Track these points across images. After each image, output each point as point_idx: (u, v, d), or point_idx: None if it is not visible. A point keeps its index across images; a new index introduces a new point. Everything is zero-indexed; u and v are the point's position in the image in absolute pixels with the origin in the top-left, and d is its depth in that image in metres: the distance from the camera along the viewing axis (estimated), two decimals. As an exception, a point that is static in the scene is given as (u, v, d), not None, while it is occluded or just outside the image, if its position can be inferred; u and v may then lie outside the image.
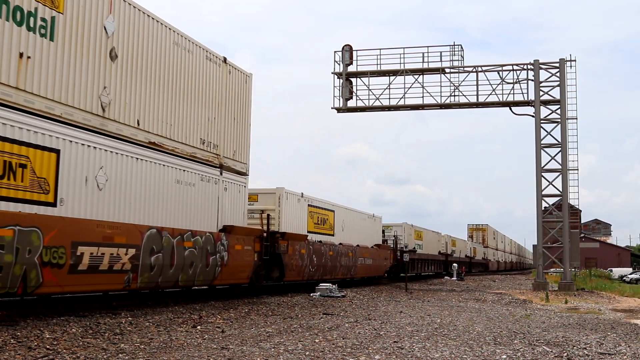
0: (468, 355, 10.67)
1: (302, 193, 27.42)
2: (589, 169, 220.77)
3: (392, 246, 41.70)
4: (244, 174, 21.22)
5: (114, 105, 14.99)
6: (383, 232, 41.16)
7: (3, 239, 11.84)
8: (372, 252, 36.47)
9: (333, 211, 31.24)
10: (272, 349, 10.79)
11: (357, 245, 33.70)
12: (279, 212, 25.12)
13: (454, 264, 55.17)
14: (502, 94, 35.55)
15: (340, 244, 31.20)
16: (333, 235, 30.92)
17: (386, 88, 36.20)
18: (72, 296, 17.25)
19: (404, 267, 39.14)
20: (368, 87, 36.34)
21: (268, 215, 23.87)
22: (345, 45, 36.44)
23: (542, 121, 35.34)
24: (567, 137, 35.21)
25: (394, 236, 43.12)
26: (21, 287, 12.42)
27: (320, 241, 28.71)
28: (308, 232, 27.69)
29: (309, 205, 28.14)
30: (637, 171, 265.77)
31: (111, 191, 14.82)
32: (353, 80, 36.67)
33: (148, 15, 16.26)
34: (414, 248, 46.77)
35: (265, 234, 22.77)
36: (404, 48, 36.19)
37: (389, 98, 36.29)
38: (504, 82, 35.56)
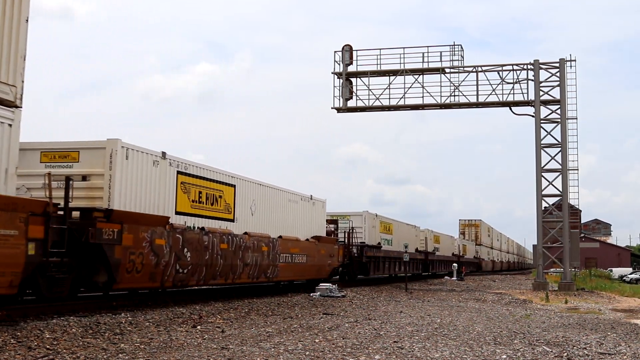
0: (468, 355, 10.66)
1: (163, 152, 18.01)
2: (589, 168, 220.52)
3: (342, 240, 32.97)
4: (9, 104, 12.19)
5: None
6: (335, 222, 32.57)
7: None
8: (307, 247, 26.93)
9: (233, 186, 21.61)
10: (272, 349, 10.79)
11: (280, 237, 24.55)
12: (109, 177, 15.99)
13: (454, 264, 54.38)
14: (502, 94, 35.55)
15: (245, 233, 21.84)
16: (233, 220, 21.41)
17: (386, 88, 36.21)
18: (72, 296, 17.23)
19: (363, 267, 35.11)
20: (368, 87, 36.35)
21: (68, 179, 14.72)
22: (345, 45, 36.45)
23: (542, 121, 35.33)
24: (567, 137, 35.20)
25: (350, 228, 33.87)
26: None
27: (204, 228, 19.49)
28: (177, 213, 18.51)
29: (180, 172, 18.69)
30: (637, 171, 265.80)
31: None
32: (353, 80, 36.66)
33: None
34: (379, 244, 38.32)
35: (58, 211, 14.08)
36: (404, 48, 36.23)
37: (389, 98, 36.30)
38: (504, 82, 35.56)
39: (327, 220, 30.98)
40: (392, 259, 40.45)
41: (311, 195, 28.61)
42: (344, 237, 33.27)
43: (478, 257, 76.33)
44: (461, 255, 63.65)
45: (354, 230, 34.16)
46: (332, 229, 31.24)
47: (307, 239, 27.47)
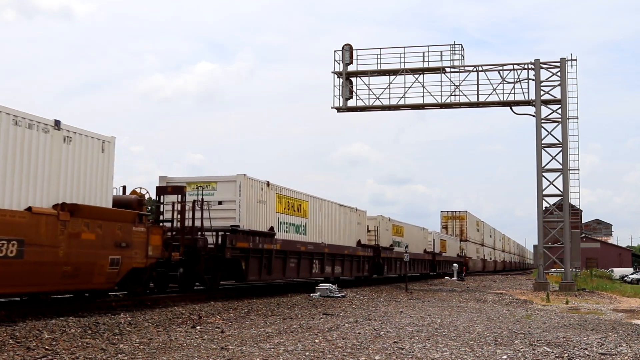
0: (468, 356, 10.62)
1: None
2: (591, 168, 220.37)
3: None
4: None
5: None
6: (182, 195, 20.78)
7: None
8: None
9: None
10: (272, 350, 10.75)
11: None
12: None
13: (454, 264, 54.05)
14: (503, 93, 35.47)
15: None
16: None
17: (386, 87, 36.14)
18: (72, 296, 17.21)
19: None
20: (368, 87, 36.29)
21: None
22: (345, 44, 36.37)
23: (542, 121, 35.28)
24: (568, 137, 35.14)
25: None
26: None
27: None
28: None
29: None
30: (638, 171, 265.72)
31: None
32: (353, 79, 36.60)
33: None
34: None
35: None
36: (404, 47, 36.14)
37: (389, 98, 36.21)
38: (504, 82, 35.48)
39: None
40: (299, 255, 33.57)
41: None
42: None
43: (463, 256, 64.95)
44: (437, 253, 53.32)
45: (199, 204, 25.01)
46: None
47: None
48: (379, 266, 36.90)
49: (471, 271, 65.31)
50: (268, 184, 24.20)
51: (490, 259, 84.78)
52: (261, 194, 23.83)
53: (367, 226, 36.40)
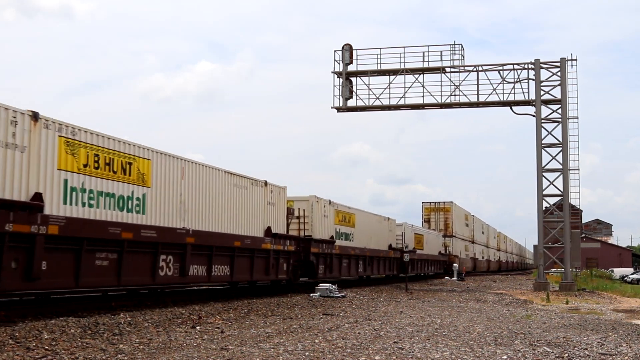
0: (469, 356, 10.61)
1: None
2: (591, 168, 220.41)
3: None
4: None
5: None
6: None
7: None
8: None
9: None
10: (272, 350, 10.74)
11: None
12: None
13: (454, 265, 52.72)
14: (503, 93, 35.45)
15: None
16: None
17: (386, 87, 36.12)
18: (71, 296, 17.21)
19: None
20: (368, 87, 36.27)
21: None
22: (345, 44, 36.34)
23: (543, 121, 35.26)
24: (568, 137, 35.11)
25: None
26: None
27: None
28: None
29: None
30: (639, 171, 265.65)
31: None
32: (353, 79, 36.57)
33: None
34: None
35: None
36: (404, 47, 36.11)
37: (389, 97, 36.19)
38: (504, 82, 35.46)
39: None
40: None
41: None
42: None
43: (447, 254, 56.16)
44: (410, 250, 41.44)
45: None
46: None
47: None
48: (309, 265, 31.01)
49: (458, 272, 54.59)
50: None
51: (483, 258, 76.08)
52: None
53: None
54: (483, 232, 77.43)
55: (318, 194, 28.85)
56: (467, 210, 69.03)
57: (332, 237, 30.10)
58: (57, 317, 13.64)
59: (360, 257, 34.18)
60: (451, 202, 60.30)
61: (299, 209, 27.60)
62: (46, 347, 10.36)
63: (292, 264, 25.85)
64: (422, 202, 60.60)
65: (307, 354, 10.42)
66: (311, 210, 28.32)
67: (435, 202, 59.99)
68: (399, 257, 40.03)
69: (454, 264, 53.50)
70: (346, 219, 32.73)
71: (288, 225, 25.79)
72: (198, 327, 13.67)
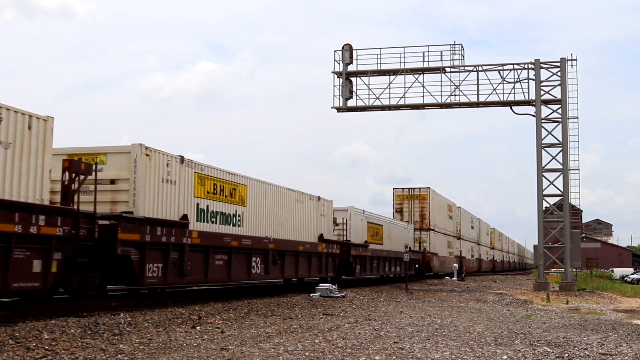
0: (469, 356, 10.61)
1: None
2: (591, 168, 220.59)
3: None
4: None
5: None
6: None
7: None
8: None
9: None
10: (272, 350, 10.73)
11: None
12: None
13: (454, 265, 53.16)
14: (503, 93, 35.42)
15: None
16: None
17: (386, 87, 36.09)
18: (71, 296, 17.17)
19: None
20: (368, 87, 36.24)
21: None
22: (345, 44, 36.32)
23: (543, 121, 35.24)
24: (568, 137, 35.10)
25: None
26: None
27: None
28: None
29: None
30: (639, 171, 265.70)
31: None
32: (353, 79, 36.55)
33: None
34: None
35: None
36: (404, 47, 36.07)
37: (389, 97, 36.16)
38: (504, 82, 35.44)
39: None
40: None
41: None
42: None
43: (421, 251, 47.99)
44: (360, 244, 34.07)
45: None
46: None
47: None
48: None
49: (437, 272, 49.18)
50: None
51: (472, 256, 66.68)
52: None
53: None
54: (473, 227, 68.43)
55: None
56: (451, 200, 58.89)
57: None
58: (57, 317, 13.64)
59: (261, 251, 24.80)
60: (428, 188, 49.91)
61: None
62: (46, 347, 10.36)
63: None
64: (394, 189, 50.28)
65: (307, 354, 10.42)
66: (134, 169, 16.01)
67: (409, 189, 49.69)
68: (338, 252, 30.65)
69: (454, 265, 53.21)
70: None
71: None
72: (198, 327, 13.67)
